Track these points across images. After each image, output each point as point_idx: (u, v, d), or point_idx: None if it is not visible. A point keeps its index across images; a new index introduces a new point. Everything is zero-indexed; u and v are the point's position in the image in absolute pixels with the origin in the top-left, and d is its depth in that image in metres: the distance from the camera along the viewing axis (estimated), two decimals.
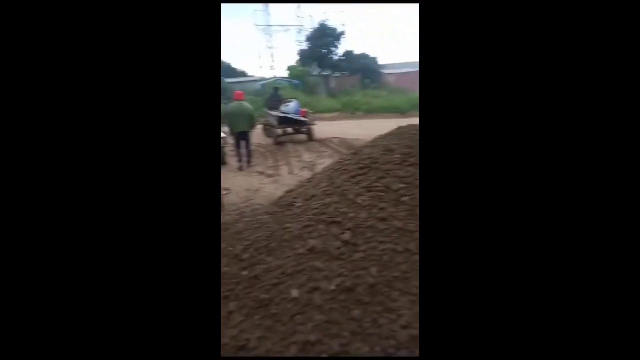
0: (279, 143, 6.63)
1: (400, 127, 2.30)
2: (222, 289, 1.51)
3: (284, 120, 6.64)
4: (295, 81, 7.99)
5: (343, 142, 6.41)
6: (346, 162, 2.02)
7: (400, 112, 10.13)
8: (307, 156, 5.42)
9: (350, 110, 11.75)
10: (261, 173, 4.57)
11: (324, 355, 1.10)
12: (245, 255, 1.71)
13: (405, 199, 1.63)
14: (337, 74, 19.33)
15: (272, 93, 8.41)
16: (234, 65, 24.26)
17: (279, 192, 3.58)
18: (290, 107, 6.90)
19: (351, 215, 1.60)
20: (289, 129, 7.00)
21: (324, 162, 4.98)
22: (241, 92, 5.17)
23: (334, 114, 8.21)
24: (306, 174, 4.27)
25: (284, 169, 4.72)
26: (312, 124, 6.86)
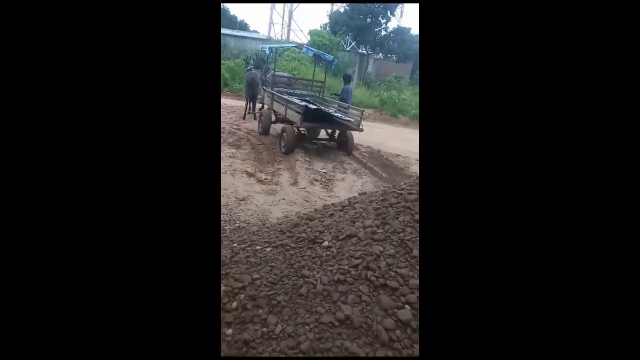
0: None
1: None
2: None
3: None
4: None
5: (375, 155, 6.44)
6: (409, 195, 1.98)
7: None
8: (320, 165, 5.40)
9: (392, 112, 11.95)
10: (251, 175, 4.54)
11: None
12: (233, 305, 1.63)
13: None
14: (379, 55, 19.72)
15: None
16: (233, 12, 24.49)
17: (277, 211, 3.57)
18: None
19: (415, 281, 1.54)
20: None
21: (345, 178, 4.98)
22: None
23: (366, 111, 8.25)
24: (319, 192, 4.26)
25: (284, 176, 4.69)
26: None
